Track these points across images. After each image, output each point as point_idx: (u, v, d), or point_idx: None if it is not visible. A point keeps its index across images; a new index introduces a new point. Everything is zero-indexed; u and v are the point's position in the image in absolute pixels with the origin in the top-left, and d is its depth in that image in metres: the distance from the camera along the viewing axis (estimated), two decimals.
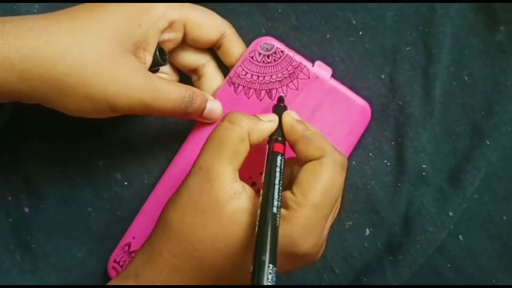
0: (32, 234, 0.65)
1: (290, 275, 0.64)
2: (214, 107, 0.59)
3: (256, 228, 0.46)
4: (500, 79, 0.64)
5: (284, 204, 0.49)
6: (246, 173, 0.52)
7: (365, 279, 0.64)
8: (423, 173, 0.64)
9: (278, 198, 0.48)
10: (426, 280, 0.63)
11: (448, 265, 0.63)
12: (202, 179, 0.50)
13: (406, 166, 0.64)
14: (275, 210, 0.47)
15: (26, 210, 0.65)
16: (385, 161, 0.64)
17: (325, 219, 0.51)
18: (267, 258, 0.43)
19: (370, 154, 0.64)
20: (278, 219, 0.46)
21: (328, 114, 0.60)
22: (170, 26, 0.56)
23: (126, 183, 0.65)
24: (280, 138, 0.53)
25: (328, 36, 0.64)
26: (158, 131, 0.65)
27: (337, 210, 0.55)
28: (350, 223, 0.64)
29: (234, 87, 0.60)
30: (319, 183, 0.49)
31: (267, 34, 0.62)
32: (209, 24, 0.59)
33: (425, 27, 0.64)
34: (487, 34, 0.64)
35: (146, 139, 0.65)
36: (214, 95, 0.61)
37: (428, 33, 0.64)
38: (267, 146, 0.53)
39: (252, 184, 0.58)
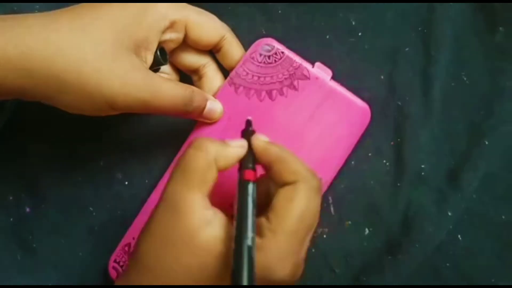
0: (33, 234, 0.65)
1: None
2: (214, 107, 0.59)
3: (232, 263, 0.45)
4: (499, 79, 0.64)
5: (259, 232, 0.48)
6: (225, 200, 0.51)
7: (364, 279, 0.64)
8: (422, 173, 0.64)
9: (253, 229, 0.46)
10: (425, 279, 0.63)
11: (448, 264, 0.63)
12: (170, 210, 0.49)
13: (405, 166, 0.64)
14: (249, 242, 0.45)
15: (27, 209, 0.66)
16: (385, 161, 0.64)
17: (301, 245, 0.49)
18: None
19: (370, 154, 0.64)
20: (254, 252, 0.45)
21: (328, 115, 0.60)
22: (172, 26, 0.56)
23: (127, 182, 0.66)
24: (250, 165, 0.51)
25: (328, 36, 0.64)
26: (159, 131, 0.66)
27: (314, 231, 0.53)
28: (350, 223, 0.64)
29: (234, 87, 0.60)
30: (293, 210, 0.48)
31: (267, 34, 0.62)
32: (210, 26, 0.59)
33: (424, 27, 0.64)
34: (487, 34, 0.64)
35: (147, 139, 0.65)
36: (215, 95, 0.61)
37: (427, 33, 0.64)
38: (238, 173, 0.52)
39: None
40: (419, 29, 0.64)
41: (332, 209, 0.64)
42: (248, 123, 0.55)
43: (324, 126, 0.60)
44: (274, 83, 0.60)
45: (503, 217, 0.63)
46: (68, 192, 0.66)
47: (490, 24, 0.64)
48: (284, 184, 0.50)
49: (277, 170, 0.50)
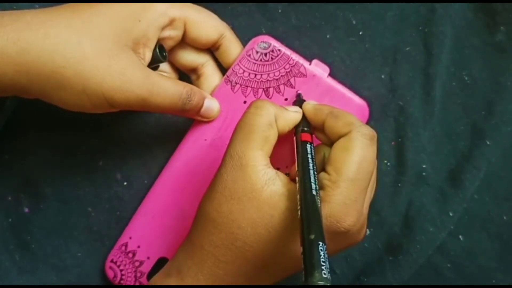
0: (32, 234, 0.65)
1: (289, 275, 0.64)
2: (211, 105, 0.59)
3: (299, 212, 0.45)
4: (500, 79, 0.64)
5: (320, 185, 0.49)
6: (274, 166, 0.52)
7: (365, 279, 0.63)
8: (423, 173, 0.64)
9: (315, 181, 0.48)
10: (426, 280, 0.63)
11: (448, 265, 0.63)
12: (235, 166, 0.50)
13: (406, 166, 0.64)
14: (314, 192, 0.46)
15: (26, 210, 0.65)
16: (385, 161, 0.64)
17: (362, 193, 0.50)
18: (314, 236, 0.42)
19: None
20: (318, 200, 0.46)
21: None
22: (171, 23, 0.56)
23: (126, 183, 0.65)
24: (306, 128, 0.54)
25: (328, 36, 0.64)
26: (158, 131, 0.65)
27: (374, 187, 0.55)
28: None
29: (231, 85, 0.60)
30: (350, 158, 0.49)
31: (267, 34, 0.62)
32: (209, 24, 0.59)
33: (425, 27, 0.64)
34: (487, 34, 0.64)
35: (146, 139, 0.65)
36: (212, 93, 0.61)
37: (428, 33, 0.64)
38: (295, 138, 0.54)
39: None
40: (420, 28, 0.64)
41: None
42: (299, 94, 0.59)
43: None
44: (271, 80, 0.60)
45: (505, 217, 0.63)
46: (67, 193, 0.65)
47: (490, 23, 0.64)
48: (339, 136, 0.52)
49: (331, 124, 0.53)
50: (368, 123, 0.61)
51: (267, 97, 0.60)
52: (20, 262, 0.65)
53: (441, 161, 0.64)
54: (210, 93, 0.61)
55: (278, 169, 0.51)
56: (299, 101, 0.57)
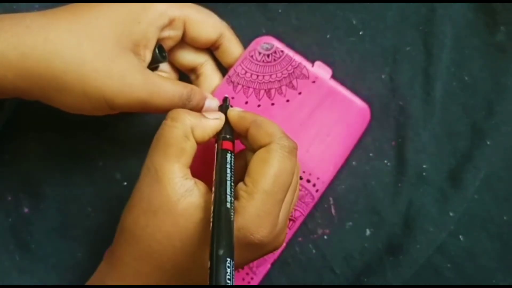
0: (32, 234, 0.65)
1: (289, 276, 0.64)
2: (212, 105, 0.58)
3: (211, 225, 0.45)
4: (500, 79, 0.64)
5: (236, 196, 0.49)
6: (208, 173, 0.52)
7: (365, 280, 0.63)
8: (424, 173, 0.64)
9: (231, 193, 0.47)
10: (426, 280, 0.63)
11: (448, 265, 0.63)
12: (151, 179, 0.50)
13: (406, 166, 0.64)
14: (228, 205, 0.46)
15: (26, 210, 0.65)
16: (386, 161, 0.64)
17: (277, 205, 0.50)
18: (223, 252, 0.42)
19: (370, 154, 0.64)
20: (232, 213, 0.46)
21: (327, 115, 0.60)
22: (170, 23, 0.56)
23: (125, 183, 0.65)
24: (228, 136, 0.53)
25: (328, 36, 0.64)
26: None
27: (296, 197, 0.55)
28: (351, 223, 0.64)
29: (233, 86, 0.60)
30: (268, 170, 0.49)
31: (267, 34, 0.62)
32: (209, 24, 0.59)
33: (425, 27, 0.64)
34: (487, 34, 0.64)
35: (146, 139, 0.64)
36: (213, 93, 0.61)
37: (428, 33, 0.64)
38: (216, 145, 0.53)
39: None
40: (420, 28, 0.64)
41: (333, 210, 0.64)
42: (225, 99, 0.58)
43: (323, 125, 0.60)
44: (273, 82, 0.60)
45: (505, 217, 0.63)
46: (67, 193, 0.65)
47: (491, 23, 0.64)
48: (260, 145, 0.51)
49: (253, 134, 0.52)
50: (369, 124, 0.61)
51: (269, 98, 0.60)
52: (20, 262, 0.65)
53: (441, 161, 0.64)
54: (210, 93, 0.61)
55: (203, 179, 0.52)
56: (224, 107, 0.57)
